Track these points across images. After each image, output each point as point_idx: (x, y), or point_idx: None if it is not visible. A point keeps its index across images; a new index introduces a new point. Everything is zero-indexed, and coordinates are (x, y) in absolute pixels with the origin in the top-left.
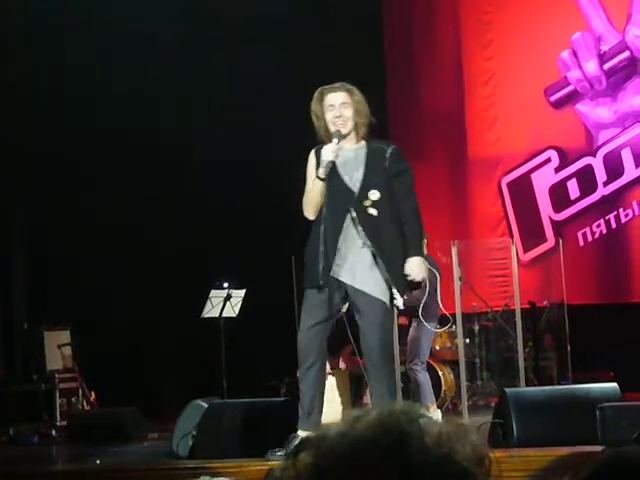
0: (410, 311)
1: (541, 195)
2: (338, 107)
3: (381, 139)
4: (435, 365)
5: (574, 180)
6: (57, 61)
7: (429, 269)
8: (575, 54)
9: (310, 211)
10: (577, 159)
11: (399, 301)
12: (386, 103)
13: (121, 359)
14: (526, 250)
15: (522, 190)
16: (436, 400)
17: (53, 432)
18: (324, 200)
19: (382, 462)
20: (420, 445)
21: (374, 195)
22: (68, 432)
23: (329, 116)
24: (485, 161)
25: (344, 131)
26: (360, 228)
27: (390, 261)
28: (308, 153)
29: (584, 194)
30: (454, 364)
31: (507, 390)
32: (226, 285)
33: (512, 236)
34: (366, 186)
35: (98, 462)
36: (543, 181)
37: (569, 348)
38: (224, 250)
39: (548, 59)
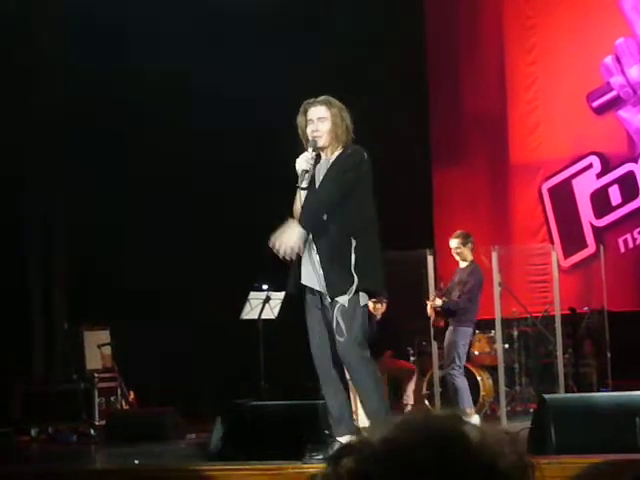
0: (447, 314)
1: (582, 201)
2: (316, 121)
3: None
4: (474, 370)
5: (616, 186)
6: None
7: (472, 274)
8: (618, 60)
9: None
10: (619, 165)
11: (344, 302)
12: (428, 109)
13: (160, 359)
14: (567, 256)
15: (563, 196)
16: (474, 405)
17: (92, 431)
18: None
19: (425, 468)
20: (463, 452)
21: None
22: (106, 431)
23: (308, 130)
24: (526, 166)
25: (320, 143)
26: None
27: (331, 265)
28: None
29: (625, 200)
30: (493, 369)
31: (546, 396)
32: (265, 287)
33: (553, 242)
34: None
35: (136, 462)
36: (584, 187)
37: (609, 355)
38: (263, 252)
39: (591, 64)
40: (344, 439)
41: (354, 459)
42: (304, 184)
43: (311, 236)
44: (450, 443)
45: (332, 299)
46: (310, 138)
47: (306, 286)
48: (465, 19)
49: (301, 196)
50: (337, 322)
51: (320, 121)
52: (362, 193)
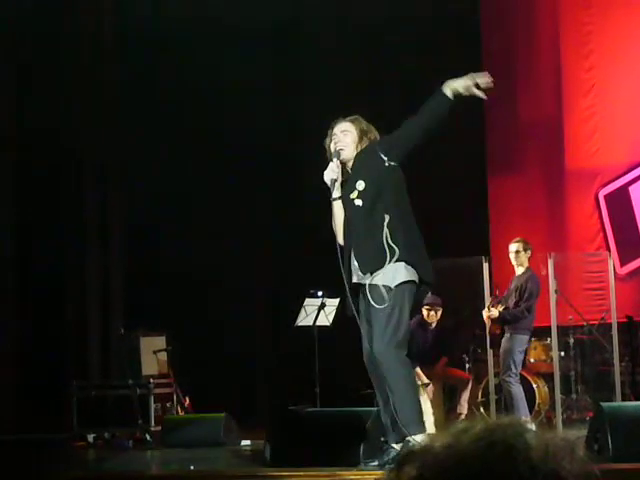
0: (504, 322)
1: (639, 208)
2: (339, 134)
3: None
4: (529, 378)
5: None
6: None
7: (529, 281)
8: None
9: (339, 236)
10: None
11: (385, 295)
12: (484, 114)
13: (216, 366)
14: (623, 263)
15: (620, 203)
16: (530, 413)
17: (147, 437)
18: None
19: (488, 476)
20: (527, 460)
21: (360, 185)
22: (162, 437)
23: (332, 144)
24: (583, 173)
25: (343, 155)
26: (349, 219)
27: (358, 248)
28: None
29: None
30: (549, 377)
31: (603, 404)
32: (320, 294)
33: (609, 249)
34: (354, 179)
35: (192, 467)
36: None
37: None
38: (319, 258)
39: None
40: (397, 445)
41: (416, 467)
42: (336, 194)
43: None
44: (513, 451)
45: (368, 273)
46: (333, 151)
47: (355, 290)
48: (521, 26)
49: (336, 208)
50: (376, 323)
51: (343, 134)
52: (398, 180)
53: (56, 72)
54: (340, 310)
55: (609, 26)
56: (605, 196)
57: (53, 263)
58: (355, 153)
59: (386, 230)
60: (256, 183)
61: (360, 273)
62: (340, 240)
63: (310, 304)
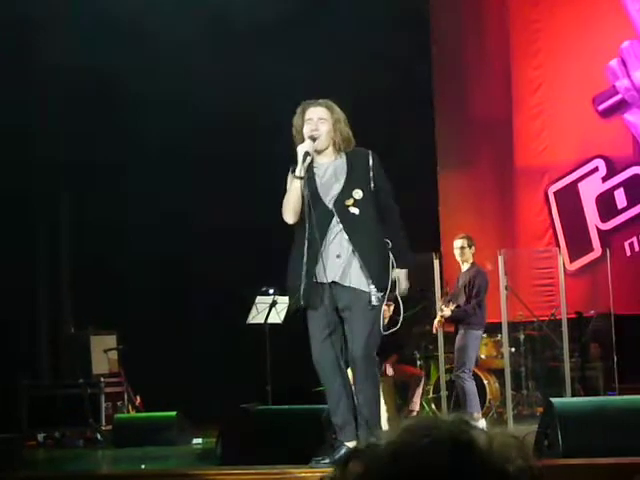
0: (457, 320)
1: (588, 204)
2: (315, 121)
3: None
4: (480, 374)
5: (621, 189)
6: None
7: (476, 276)
8: (624, 63)
9: (289, 214)
10: (624, 168)
11: (374, 298)
12: (433, 112)
13: (167, 364)
14: (572, 259)
15: (569, 199)
16: (481, 409)
17: (98, 436)
18: (307, 222)
19: (433, 474)
20: (472, 456)
21: (357, 194)
22: (113, 436)
23: (306, 129)
24: (532, 170)
25: (318, 144)
26: (342, 226)
27: (368, 260)
28: None
29: (631, 204)
30: (499, 373)
31: (553, 400)
32: (272, 291)
33: (558, 245)
34: (349, 186)
35: (143, 467)
36: (590, 190)
37: (616, 358)
38: (270, 256)
39: (596, 68)
40: (350, 444)
41: (362, 463)
42: (300, 173)
43: (339, 229)
44: (458, 448)
45: (377, 289)
46: (307, 136)
47: (317, 290)
48: (470, 24)
49: (297, 187)
50: (358, 322)
51: (320, 122)
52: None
53: None
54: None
55: (556, 24)
56: (554, 193)
57: (1, 263)
58: (327, 143)
59: (391, 256)
60: (209, 179)
61: (340, 274)
62: (289, 218)
63: (262, 302)
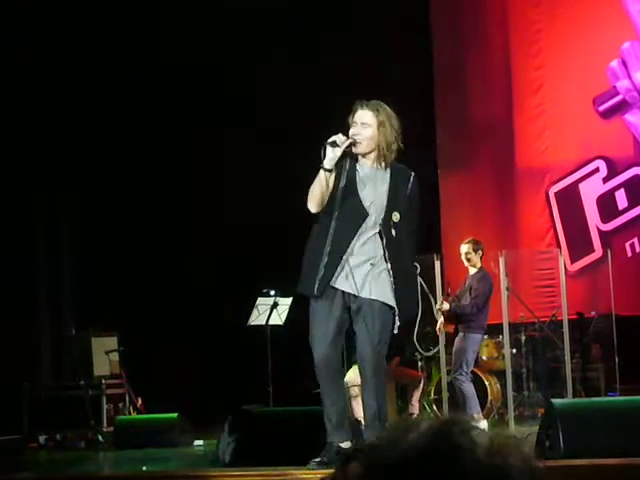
0: (456, 320)
1: (589, 205)
2: (359, 125)
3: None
4: (482, 375)
5: (622, 190)
6: None
7: (481, 280)
8: (624, 64)
9: (313, 203)
10: (625, 169)
11: (392, 313)
12: (434, 113)
13: (169, 366)
14: (573, 260)
15: (570, 200)
16: (482, 410)
17: (100, 438)
18: (335, 212)
19: (434, 474)
20: (472, 457)
21: (395, 217)
22: (114, 438)
23: (350, 132)
24: (533, 171)
25: (358, 148)
26: (374, 245)
27: (400, 284)
28: None
29: (632, 204)
30: (501, 374)
31: (554, 401)
32: (273, 293)
33: (559, 246)
34: (391, 207)
35: (144, 468)
36: (591, 191)
37: (617, 359)
38: (271, 258)
39: (597, 69)
40: (344, 444)
41: (362, 464)
42: (328, 165)
43: (374, 247)
44: (459, 449)
45: (401, 321)
46: (350, 136)
47: (331, 290)
48: (470, 24)
49: (322, 178)
50: (375, 328)
51: (363, 127)
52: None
53: None
54: (293, 309)
55: (557, 24)
56: (555, 194)
57: (3, 265)
58: (369, 148)
59: (420, 282)
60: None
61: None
62: (312, 207)
63: (263, 303)
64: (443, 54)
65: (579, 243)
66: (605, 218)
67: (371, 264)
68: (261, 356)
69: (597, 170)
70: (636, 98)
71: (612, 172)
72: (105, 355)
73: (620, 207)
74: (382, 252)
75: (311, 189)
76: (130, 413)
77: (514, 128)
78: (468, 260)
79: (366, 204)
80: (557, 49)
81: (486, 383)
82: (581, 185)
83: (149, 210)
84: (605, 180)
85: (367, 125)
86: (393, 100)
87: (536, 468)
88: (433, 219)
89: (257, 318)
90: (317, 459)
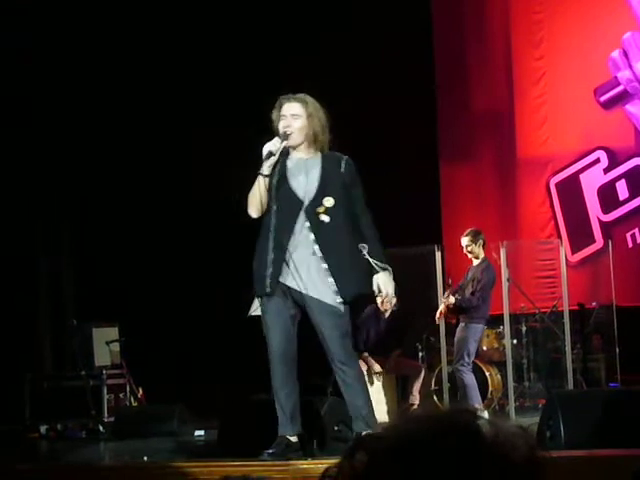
0: (459, 311)
1: (590, 196)
2: (289, 117)
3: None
4: (482, 366)
5: (623, 181)
6: None
7: (485, 271)
8: (626, 54)
9: (253, 208)
10: (626, 160)
11: (341, 308)
12: (436, 103)
13: (169, 356)
14: (574, 251)
15: (571, 191)
16: (483, 401)
17: (100, 428)
18: (273, 208)
19: (440, 463)
20: (478, 446)
21: (328, 202)
22: (115, 428)
23: (280, 125)
24: (534, 161)
25: (290, 140)
26: (312, 235)
27: (338, 268)
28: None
29: (633, 195)
30: (501, 365)
31: (555, 392)
32: None
33: (560, 237)
34: (321, 192)
35: (145, 458)
36: (592, 182)
37: (618, 350)
38: None
39: (598, 59)
40: (294, 438)
41: (368, 453)
42: (267, 171)
43: (308, 237)
44: (464, 437)
45: (345, 302)
46: (281, 132)
47: (281, 286)
48: (472, 15)
49: (261, 183)
50: (330, 330)
51: (293, 118)
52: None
53: None
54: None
55: (559, 14)
56: (556, 184)
57: (3, 254)
58: (301, 139)
59: (365, 249)
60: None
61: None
62: (253, 213)
63: None
64: (444, 44)
65: (580, 234)
66: (606, 209)
67: (314, 254)
68: (261, 346)
69: (598, 161)
70: (637, 88)
71: (613, 163)
72: (106, 345)
73: (621, 198)
74: (313, 241)
75: (250, 195)
76: (131, 403)
77: (515, 118)
78: (470, 252)
79: (300, 194)
80: (558, 39)
81: (487, 374)
82: (582, 176)
83: (149, 199)
84: (606, 171)
85: (297, 116)
86: (394, 94)
87: (541, 457)
88: (434, 210)
89: (258, 308)
90: (269, 450)
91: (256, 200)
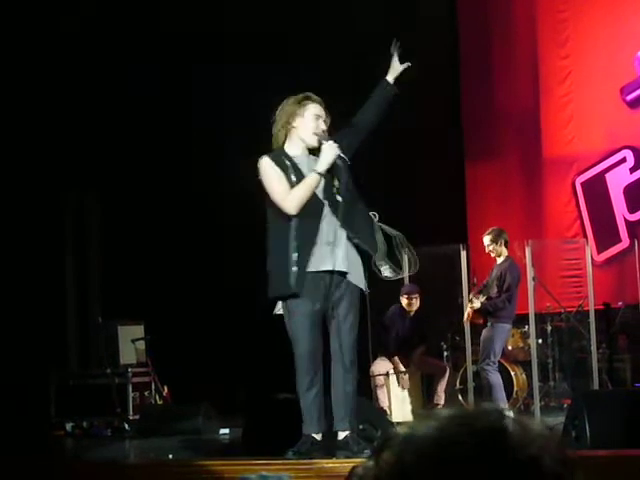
0: (486, 313)
1: (615, 195)
2: (321, 120)
3: None
4: (507, 365)
5: None
6: None
7: (509, 269)
8: None
9: (296, 206)
10: None
11: (386, 268)
12: (460, 102)
13: (194, 354)
14: (600, 250)
15: (596, 190)
16: (508, 400)
17: (126, 426)
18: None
19: (470, 462)
20: (507, 447)
21: (336, 182)
22: (140, 426)
23: (313, 125)
24: (559, 160)
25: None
26: (335, 217)
27: (361, 235)
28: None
29: None
30: (526, 364)
31: (580, 392)
32: None
33: (586, 236)
34: (331, 173)
35: (170, 456)
36: (618, 181)
37: None
38: None
39: (624, 58)
40: (318, 436)
41: (395, 453)
42: (324, 171)
43: (330, 220)
44: (493, 438)
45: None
46: (310, 133)
47: (309, 280)
48: (498, 13)
49: (315, 180)
50: (350, 316)
51: (321, 119)
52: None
53: None
54: None
55: (585, 13)
56: (582, 183)
57: (30, 251)
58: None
59: (377, 226)
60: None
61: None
62: (294, 210)
63: None
64: (469, 43)
65: (606, 233)
66: (632, 208)
67: (327, 243)
68: (287, 345)
69: (624, 160)
70: None
71: (639, 162)
72: (131, 343)
73: None
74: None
75: (297, 194)
76: (156, 401)
77: (541, 117)
78: (492, 251)
79: (319, 192)
80: (584, 38)
81: (512, 373)
82: (608, 175)
83: (177, 197)
84: (632, 170)
85: (321, 117)
86: (419, 93)
87: (571, 458)
88: (459, 209)
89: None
90: (294, 449)
91: (304, 199)
